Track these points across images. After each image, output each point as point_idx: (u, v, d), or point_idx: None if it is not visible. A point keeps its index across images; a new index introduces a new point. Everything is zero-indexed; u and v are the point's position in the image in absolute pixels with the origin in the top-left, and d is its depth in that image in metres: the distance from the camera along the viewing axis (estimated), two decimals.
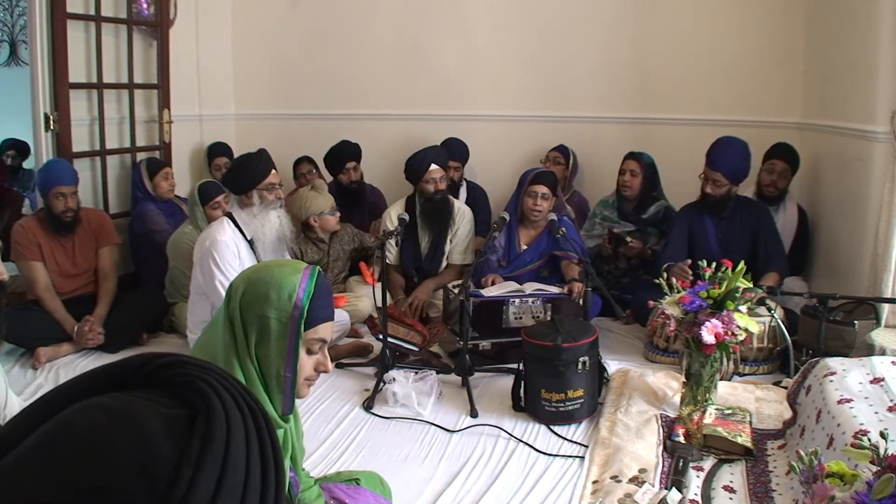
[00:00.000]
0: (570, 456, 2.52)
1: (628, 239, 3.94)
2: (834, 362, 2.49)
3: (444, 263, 3.99)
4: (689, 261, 3.02)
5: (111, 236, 3.71)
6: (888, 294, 3.10)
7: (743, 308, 2.56)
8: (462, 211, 4.01)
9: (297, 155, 4.87)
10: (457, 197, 4.47)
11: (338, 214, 3.91)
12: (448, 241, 3.97)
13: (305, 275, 1.45)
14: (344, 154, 4.50)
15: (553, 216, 3.50)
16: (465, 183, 4.59)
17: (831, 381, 2.36)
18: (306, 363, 1.45)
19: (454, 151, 4.47)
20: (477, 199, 4.56)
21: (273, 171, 3.20)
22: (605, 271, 4.09)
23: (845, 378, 2.35)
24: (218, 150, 4.79)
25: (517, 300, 3.35)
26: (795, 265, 3.85)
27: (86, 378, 0.55)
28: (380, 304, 3.11)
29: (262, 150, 3.27)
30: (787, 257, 3.73)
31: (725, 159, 3.49)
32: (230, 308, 1.42)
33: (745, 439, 2.41)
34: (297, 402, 1.66)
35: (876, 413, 2.12)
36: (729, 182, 3.50)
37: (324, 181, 4.07)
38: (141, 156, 4.33)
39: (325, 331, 1.47)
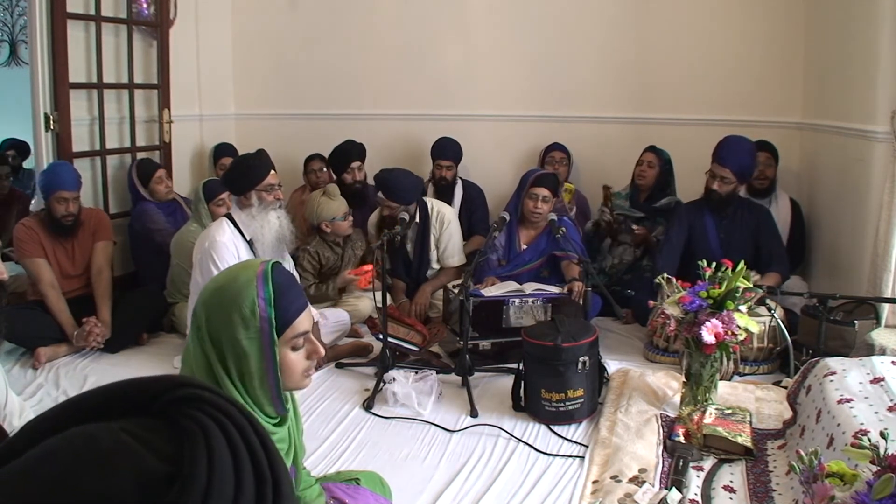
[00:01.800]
0: (570, 456, 2.52)
1: (634, 227, 3.97)
2: (834, 362, 2.49)
3: (433, 268, 3.99)
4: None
5: (107, 232, 3.70)
6: (888, 294, 3.10)
7: (743, 308, 2.56)
8: (441, 216, 3.95)
9: (297, 155, 4.88)
10: (452, 195, 4.46)
11: (350, 220, 3.90)
12: (433, 248, 3.96)
13: (260, 280, 1.39)
14: (348, 154, 4.50)
15: (553, 216, 3.51)
16: (459, 182, 4.58)
17: (831, 380, 2.36)
18: (295, 360, 1.43)
19: (446, 151, 4.47)
20: (473, 197, 4.55)
21: (272, 171, 3.20)
22: (608, 267, 4.11)
23: (845, 378, 2.35)
24: (223, 150, 4.79)
25: (517, 300, 3.35)
26: (793, 258, 3.88)
27: (100, 394, 0.53)
28: (380, 304, 3.11)
29: (260, 150, 3.26)
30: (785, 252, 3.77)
31: (733, 156, 3.50)
32: (199, 335, 1.38)
33: (745, 439, 2.41)
34: (298, 400, 1.67)
35: (876, 413, 2.12)
36: (736, 179, 3.51)
37: (336, 185, 4.07)
38: (141, 156, 4.32)
39: (302, 323, 1.43)
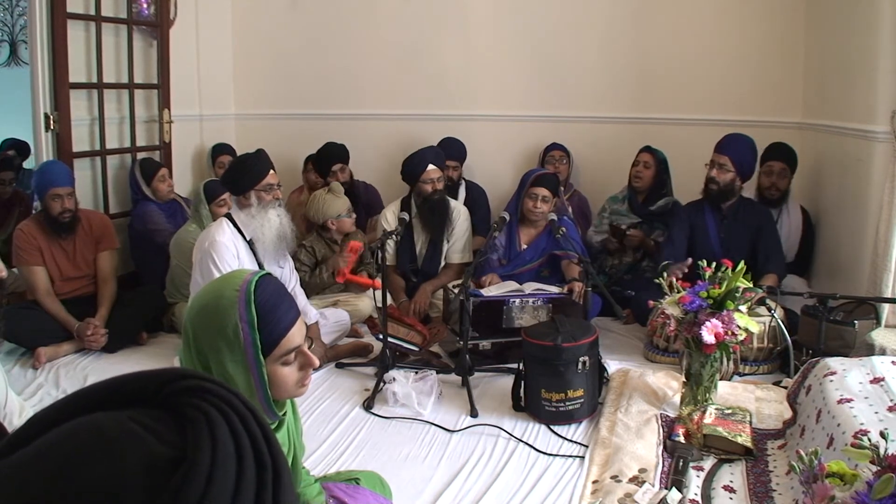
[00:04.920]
0: (570, 456, 2.52)
1: (623, 227, 3.98)
2: (834, 362, 2.49)
3: (442, 263, 3.99)
4: (690, 260, 3.03)
5: (111, 240, 3.71)
6: (888, 294, 3.10)
7: (743, 308, 2.56)
8: (458, 210, 4.01)
9: (297, 155, 4.88)
10: (456, 196, 4.47)
11: (353, 216, 3.95)
12: (445, 241, 3.97)
13: (242, 302, 1.33)
14: (329, 156, 4.49)
15: (553, 216, 3.51)
16: (463, 182, 4.59)
17: (831, 380, 2.36)
18: (287, 374, 1.38)
19: (452, 151, 4.48)
20: (476, 198, 4.56)
21: (271, 171, 3.20)
22: (608, 267, 4.11)
23: (845, 378, 2.34)
24: (221, 149, 4.81)
25: (517, 300, 3.35)
26: (802, 267, 3.86)
27: (105, 386, 0.53)
28: (380, 304, 3.11)
29: (260, 150, 3.26)
30: (795, 259, 3.79)
31: (732, 146, 3.54)
32: (189, 349, 1.36)
33: (745, 439, 2.41)
34: (297, 400, 1.66)
35: (876, 413, 2.12)
36: (734, 169, 3.51)
37: (339, 184, 4.07)
38: (141, 156, 4.33)
39: (293, 339, 1.37)
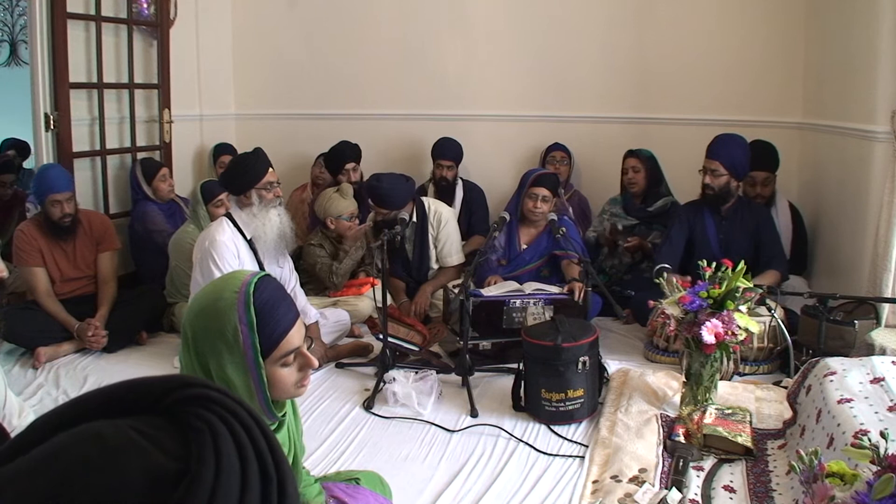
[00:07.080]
0: (570, 456, 2.52)
1: (623, 244, 3.97)
2: (834, 362, 2.49)
3: (432, 268, 3.98)
4: (689, 278, 3.01)
5: (112, 241, 3.71)
6: (888, 294, 3.10)
7: (743, 308, 2.56)
8: (438, 214, 3.94)
9: (297, 154, 4.89)
10: (452, 196, 4.46)
11: (356, 221, 3.88)
12: (432, 247, 3.96)
13: (241, 304, 1.33)
14: (343, 155, 4.49)
15: (553, 216, 3.51)
16: (460, 182, 4.58)
17: (831, 380, 2.36)
18: (286, 375, 1.38)
19: (446, 151, 4.47)
20: (474, 198, 4.55)
21: (270, 169, 3.20)
22: (608, 267, 4.11)
23: (845, 378, 2.34)
24: (223, 149, 4.81)
25: (517, 300, 3.35)
26: (797, 264, 3.86)
27: (108, 392, 0.53)
28: (380, 304, 3.11)
29: (257, 149, 3.26)
30: (789, 256, 3.75)
31: (722, 149, 3.52)
32: (188, 350, 1.35)
33: (745, 439, 2.41)
34: (297, 400, 1.67)
35: (876, 413, 2.12)
36: (727, 172, 3.50)
37: (350, 185, 4.07)
38: (141, 156, 4.33)
39: (292, 340, 1.37)
